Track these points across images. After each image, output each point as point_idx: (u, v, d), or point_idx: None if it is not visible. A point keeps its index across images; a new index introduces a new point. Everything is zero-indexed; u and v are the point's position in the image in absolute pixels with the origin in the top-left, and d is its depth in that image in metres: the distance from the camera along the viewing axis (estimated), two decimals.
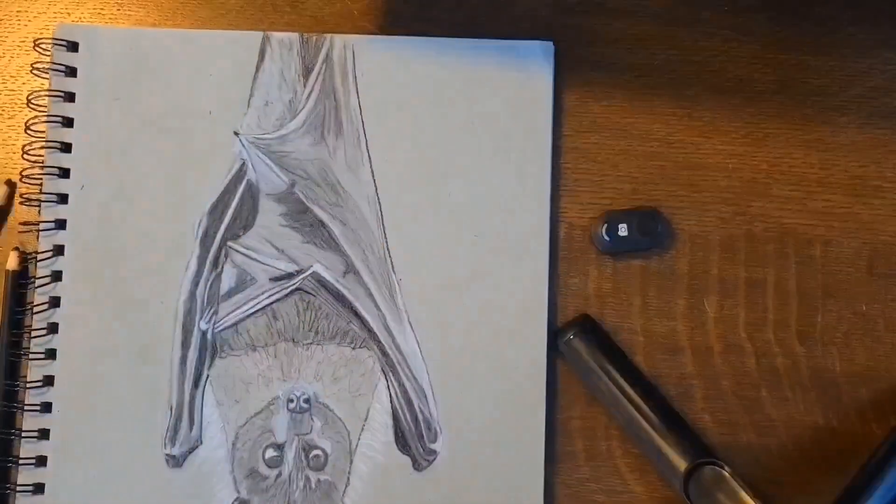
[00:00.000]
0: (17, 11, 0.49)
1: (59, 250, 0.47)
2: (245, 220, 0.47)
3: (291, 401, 0.46)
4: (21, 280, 0.47)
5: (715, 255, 0.48)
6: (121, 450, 0.45)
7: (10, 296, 0.46)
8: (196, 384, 0.46)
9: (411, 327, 0.46)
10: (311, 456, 0.46)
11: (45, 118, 0.47)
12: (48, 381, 0.46)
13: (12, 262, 0.47)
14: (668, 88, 0.49)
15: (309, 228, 0.47)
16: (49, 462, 0.45)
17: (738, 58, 0.49)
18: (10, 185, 0.47)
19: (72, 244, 0.47)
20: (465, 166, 0.48)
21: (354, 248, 0.47)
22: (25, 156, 0.47)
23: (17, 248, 0.47)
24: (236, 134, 0.48)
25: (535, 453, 0.46)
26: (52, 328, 0.46)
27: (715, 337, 0.47)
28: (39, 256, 0.46)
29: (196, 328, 0.46)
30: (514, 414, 0.46)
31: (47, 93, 0.48)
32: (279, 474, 0.46)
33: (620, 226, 0.47)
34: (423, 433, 0.46)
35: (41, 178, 0.47)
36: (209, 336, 0.46)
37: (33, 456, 0.45)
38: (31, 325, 0.46)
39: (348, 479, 0.46)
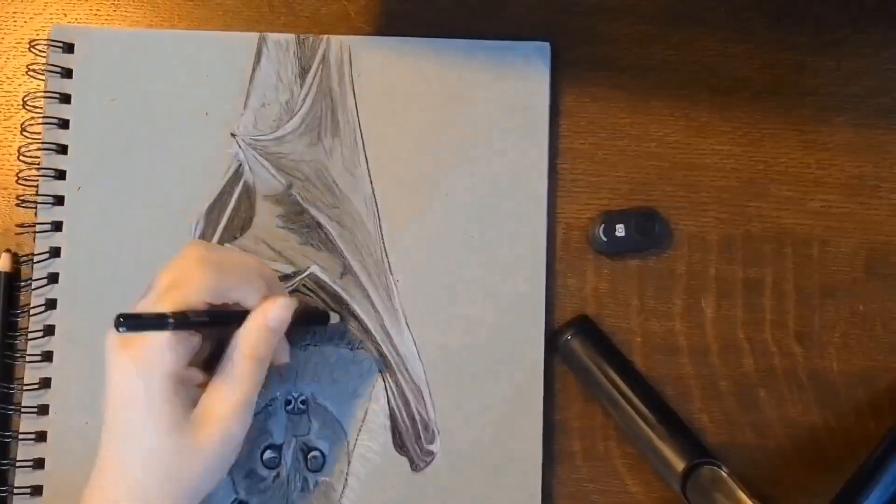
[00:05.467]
0: (13, 13, 0.49)
1: (55, 252, 0.46)
2: (242, 221, 0.47)
3: (289, 402, 0.46)
4: (14, 282, 0.47)
5: (712, 256, 0.48)
6: None
7: (3, 298, 0.46)
8: None
9: (408, 328, 0.46)
10: (308, 457, 0.46)
11: (41, 120, 0.47)
12: (45, 383, 0.45)
13: (5, 264, 0.47)
14: (665, 89, 0.49)
15: (306, 230, 0.47)
16: (46, 464, 0.45)
17: (736, 58, 0.49)
18: (12, 254, 0.47)
19: (68, 246, 0.47)
20: (461, 167, 0.48)
21: (352, 249, 0.47)
22: (21, 157, 0.47)
23: (8, 250, 0.47)
24: (233, 135, 0.48)
25: (533, 454, 0.46)
26: (49, 330, 0.46)
27: (712, 337, 0.47)
28: (36, 258, 0.46)
29: None
30: (512, 414, 0.46)
31: (43, 94, 0.47)
32: (277, 475, 0.46)
33: (618, 226, 0.47)
34: (420, 434, 0.46)
35: (37, 180, 0.47)
36: None
37: (31, 458, 0.45)
38: (25, 328, 0.46)
39: (346, 479, 0.46)
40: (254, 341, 0.39)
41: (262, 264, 0.43)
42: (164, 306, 0.36)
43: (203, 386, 0.39)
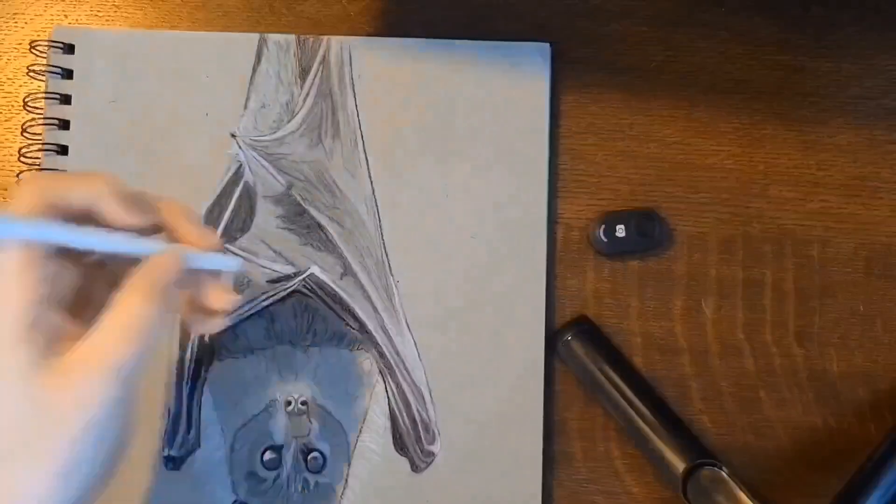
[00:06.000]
0: (14, 14, 0.49)
1: None
2: (242, 222, 0.47)
3: (289, 403, 0.46)
4: None
5: (712, 256, 0.48)
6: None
7: None
8: (194, 387, 0.46)
9: (409, 329, 0.46)
10: (309, 458, 0.46)
11: (41, 120, 0.47)
12: None
13: None
14: (665, 89, 0.49)
15: (306, 230, 0.47)
16: None
17: (736, 59, 0.49)
18: None
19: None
20: (462, 168, 0.48)
21: (352, 250, 0.47)
22: (22, 158, 0.47)
23: None
24: (233, 136, 0.48)
25: (534, 455, 0.46)
26: None
27: (713, 338, 0.47)
28: None
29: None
30: (512, 415, 0.46)
31: (44, 95, 0.47)
32: (277, 476, 0.46)
33: (618, 227, 0.47)
34: (420, 435, 0.46)
35: None
36: (207, 339, 0.46)
37: None
38: None
39: (346, 481, 0.46)
40: (152, 274, 0.32)
41: (112, 176, 0.33)
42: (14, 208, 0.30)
43: (73, 339, 0.31)
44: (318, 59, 0.48)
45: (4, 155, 0.48)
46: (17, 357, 0.29)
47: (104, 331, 0.31)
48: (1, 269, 0.29)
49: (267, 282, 0.47)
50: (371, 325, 0.46)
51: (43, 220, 0.30)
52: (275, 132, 0.48)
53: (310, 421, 0.46)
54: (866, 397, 0.47)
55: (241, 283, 0.47)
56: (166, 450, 0.45)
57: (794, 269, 0.48)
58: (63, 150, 0.47)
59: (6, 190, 0.48)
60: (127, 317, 0.31)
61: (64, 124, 0.48)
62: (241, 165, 0.48)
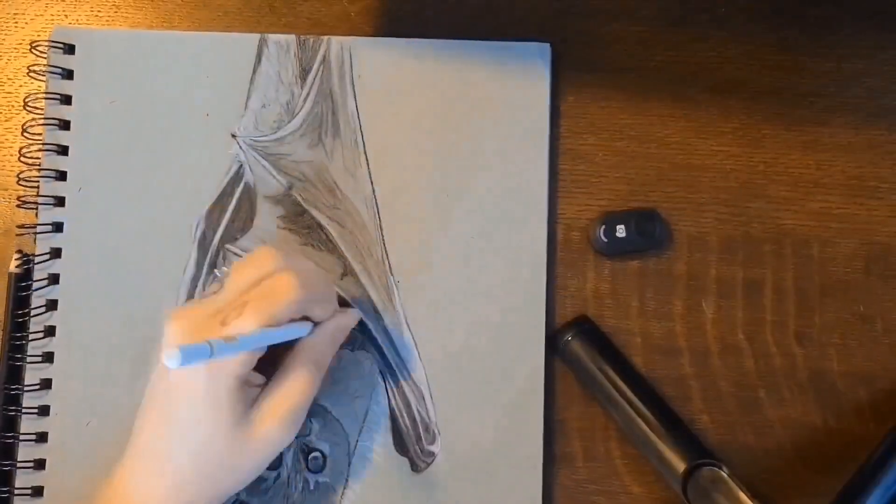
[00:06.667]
0: (14, 14, 0.49)
1: (56, 253, 0.47)
2: (243, 222, 0.47)
3: None
4: (24, 283, 0.46)
5: (712, 256, 0.48)
6: (119, 453, 0.45)
7: (12, 299, 0.46)
8: None
9: (409, 329, 0.46)
10: (309, 458, 0.46)
11: (41, 121, 0.47)
12: (45, 384, 0.45)
13: (14, 265, 0.46)
14: (665, 89, 0.49)
15: (306, 230, 0.47)
16: (47, 465, 0.45)
17: (735, 59, 0.49)
18: (22, 255, 0.47)
19: (69, 247, 0.47)
20: (462, 168, 0.48)
21: (352, 250, 0.47)
22: (22, 158, 0.47)
23: (19, 251, 0.47)
24: (234, 136, 0.48)
25: (534, 455, 0.46)
26: (50, 331, 0.46)
27: (713, 338, 0.47)
28: (36, 259, 0.46)
29: None
30: (513, 415, 0.46)
31: (44, 95, 0.48)
32: (278, 476, 0.46)
33: (618, 227, 0.47)
34: (420, 435, 0.46)
35: (38, 181, 0.47)
36: None
37: (32, 459, 0.45)
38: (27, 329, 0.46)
39: (346, 480, 0.46)
40: (322, 350, 0.42)
41: (328, 276, 0.46)
42: (253, 320, 0.37)
43: (260, 387, 0.40)
44: (319, 59, 0.48)
45: (4, 155, 0.48)
46: (226, 414, 0.38)
47: (286, 388, 0.40)
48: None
49: None
50: (371, 326, 0.46)
51: (259, 335, 0.38)
52: (275, 132, 0.48)
53: (310, 421, 0.46)
54: (866, 397, 0.47)
55: None
56: None
57: (794, 269, 0.48)
58: (63, 150, 0.47)
59: (6, 190, 0.48)
60: (301, 380, 0.40)
61: (64, 124, 0.48)
62: (241, 165, 0.48)
